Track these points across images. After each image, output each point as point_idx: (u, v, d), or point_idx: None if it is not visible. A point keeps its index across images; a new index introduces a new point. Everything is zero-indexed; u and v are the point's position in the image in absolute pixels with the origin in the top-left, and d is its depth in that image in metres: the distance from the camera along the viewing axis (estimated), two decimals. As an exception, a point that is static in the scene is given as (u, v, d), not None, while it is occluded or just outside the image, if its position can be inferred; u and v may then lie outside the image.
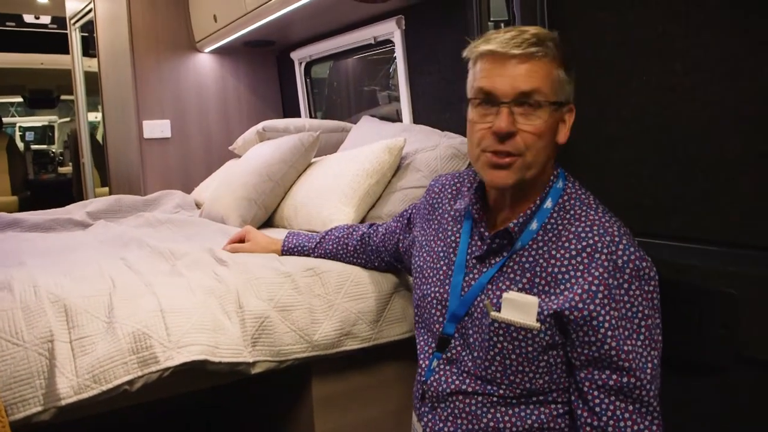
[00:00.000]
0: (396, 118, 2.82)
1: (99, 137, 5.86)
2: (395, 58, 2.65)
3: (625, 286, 1.08)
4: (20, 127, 9.33)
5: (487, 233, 1.21)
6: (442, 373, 1.24)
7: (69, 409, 1.25)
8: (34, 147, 8.34)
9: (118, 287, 1.39)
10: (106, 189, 4.11)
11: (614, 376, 1.08)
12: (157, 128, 3.40)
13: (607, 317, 1.07)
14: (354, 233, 1.68)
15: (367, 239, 1.65)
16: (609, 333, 1.07)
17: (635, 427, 1.08)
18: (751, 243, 1.19)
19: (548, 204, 1.18)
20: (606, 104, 1.44)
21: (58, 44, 4.79)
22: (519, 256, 1.17)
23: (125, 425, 2.23)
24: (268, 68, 3.74)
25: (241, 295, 1.46)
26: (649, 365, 1.09)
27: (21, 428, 1.22)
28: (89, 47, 4.33)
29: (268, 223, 2.31)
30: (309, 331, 1.52)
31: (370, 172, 2.02)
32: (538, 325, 1.11)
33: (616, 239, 1.10)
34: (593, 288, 1.08)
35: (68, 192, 6.15)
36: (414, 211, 1.49)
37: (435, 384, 1.24)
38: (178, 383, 1.40)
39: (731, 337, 1.20)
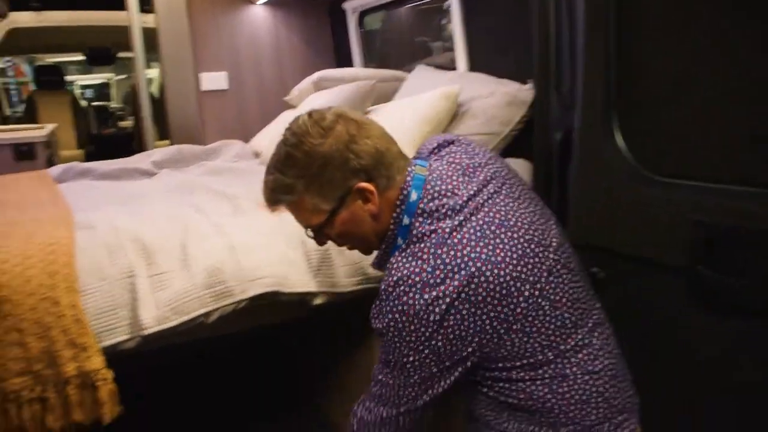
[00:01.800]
0: (450, 67, 2.82)
1: (154, 91, 5.99)
2: (449, 7, 2.63)
3: (383, 333, 1.14)
4: (79, 84, 9.61)
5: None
6: None
7: (152, 339, 1.35)
8: (94, 104, 8.58)
9: (190, 228, 1.47)
10: (166, 142, 4.23)
11: None
12: (214, 80, 3.48)
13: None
14: None
15: None
16: None
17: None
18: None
19: (399, 242, 1.21)
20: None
21: (116, 1, 4.89)
22: None
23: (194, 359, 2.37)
24: (321, 19, 3.74)
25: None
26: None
27: (110, 355, 1.32)
28: (146, 3, 4.40)
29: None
30: (363, 265, 1.58)
31: (426, 119, 2.04)
32: None
33: (390, 288, 1.12)
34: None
35: (129, 146, 6.34)
36: None
37: None
38: (250, 317, 1.49)
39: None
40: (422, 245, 1.13)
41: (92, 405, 1.29)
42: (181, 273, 1.37)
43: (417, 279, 1.10)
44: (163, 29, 3.91)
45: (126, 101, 8.70)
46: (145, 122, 4.71)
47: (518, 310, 1.12)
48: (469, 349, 1.14)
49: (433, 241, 1.12)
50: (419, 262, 1.11)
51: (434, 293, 1.08)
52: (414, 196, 1.18)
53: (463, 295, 1.09)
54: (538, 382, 1.19)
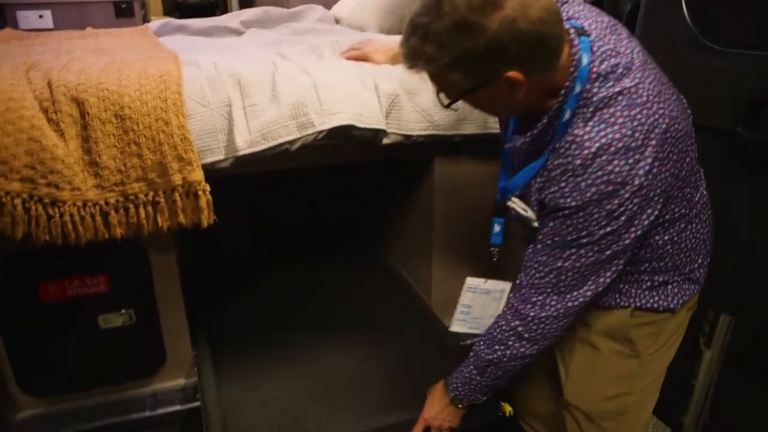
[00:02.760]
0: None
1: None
2: None
3: (581, 209, 1.12)
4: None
5: (517, 136, 1.27)
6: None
7: (243, 160, 1.58)
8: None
9: (278, 68, 1.66)
10: (250, 10, 4.38)
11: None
12: (299, -54, 3.55)
13: (548, 228, 1.20)
14: None
15: None
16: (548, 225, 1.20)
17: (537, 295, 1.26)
18: None
19: (567, 115, 1.13)
20: None
21: None
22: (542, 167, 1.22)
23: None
24: None
25: (376, 77, 1.69)
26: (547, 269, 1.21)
27: (207, 172, 1.56)
28: None
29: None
30: (431, 113, 1.73)
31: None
32: (536, 226, 1.27)
33: (588, 161, 1.09)
34: (552, 211, 1.18)
35: (213, 14, 6.52)
36: None
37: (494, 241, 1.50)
38: (327, 152, 1.71)
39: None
40: (612, 110, 1.09)
41: (193, 211, 1.54)
42: (271, 105, 1.57)
43: (619, 145, 1.07)
44: None
45: (209, -30, 8.76)
46: (231, -12, 4.83)
47: (685, 165, 1.14)
48: (655, 212, 1.13)
49: (623, 103, 1.08)
50: (615, 127, 1.07)
51: (637, 156, 1.06)
52: (585, 60, 1.09)
53: (658, 154, 1.08)
54: (663, 233, 1.23)
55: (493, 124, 1.83)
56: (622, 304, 1.33)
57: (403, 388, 1.79)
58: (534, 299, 1.25)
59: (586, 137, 1.09)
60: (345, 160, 1.85)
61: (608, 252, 1.15)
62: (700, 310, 1.49)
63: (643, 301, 1.32)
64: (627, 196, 1.08)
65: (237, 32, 2.76)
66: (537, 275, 1.23)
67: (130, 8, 3.36)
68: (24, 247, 1.50)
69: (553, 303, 1.23)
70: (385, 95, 1.67)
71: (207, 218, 1.55)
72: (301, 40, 2.12)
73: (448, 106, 1.18)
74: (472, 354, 1.41)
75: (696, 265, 1.33)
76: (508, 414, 1.73)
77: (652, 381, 1.45)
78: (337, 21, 3.04)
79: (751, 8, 1.52)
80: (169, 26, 2.75)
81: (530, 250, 1.26)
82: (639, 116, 1.07)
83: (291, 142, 1.57)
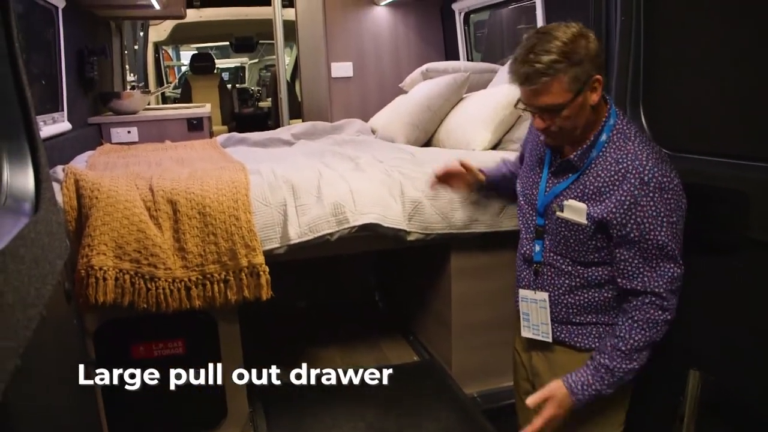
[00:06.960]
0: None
1: (287, 77, 6.82)
2: (539, 9, 3.09)
3: (650, 195, 1.51)
4: (217, 68, 10.80)
5: (558, 158, 1.68)
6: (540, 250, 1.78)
7: (294, 248, 2.01)
8: (238, 86, 9.66)
9: (323, 176, 2.12)
10: (298, 120, 4.98)
11: (638, 251, 1.56)
12: (342, 69, 4.15)
13: (632, 219, 1.53)
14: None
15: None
16: (635, 227, 1.54)
17: (648, 274, 1.58)
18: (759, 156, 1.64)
19: (603, 137, 1.60)
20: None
21: (261, -3, 5.72)
22: (583, 176, 1.62)
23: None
24: (433, 18, 4.31)
25: (403, 186, 2.13)
26: (670, 243, 1.54)
27: (267, 257, 1.98)
28: (287, -1, 5.16)
29: (427, 144, 2.96)
30: (449, 215, 2.16)
31: (504, 105, 2.57)
32: (586, 222, 1.62)
33: (644, 162, 1.52)
34: (622, 199, 1.54)
35: (265, 123, 7.24)
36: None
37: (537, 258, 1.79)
38: (360, 242, 2.13)
39: (742, 224, 1.66)
40: (640, 138, 1.58)
41: (255, 287, 1.95)
42: (316, 205, 2.01)
43: (657, 156, 1.54)
44: (302, 23, 4.61)
45: (260, 84, 9.65)
46: (283, 102, 5.48)
47: None
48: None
49: (639, 138, 1.59)
50: (648, 147, 1.55)
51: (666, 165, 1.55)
52: (612, 104, 1.63)
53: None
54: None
55: (503, 222, 2.23)
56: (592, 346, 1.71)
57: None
58: (669, 302, 1.57)
59: (637, 149, 1.55)
60: (374, 248, 2.27)
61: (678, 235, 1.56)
62: (675, 368, 1.77)
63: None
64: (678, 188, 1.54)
65: (288, 143, 3.28)
66: (663, 286, 1.57)
67: (200, 123, 3.98)
68: (122, 316, 1.93)
69: (672, 301, 1.58)
70: (410, 201, 2.11)
71: (266, 293, 1.97)
72: (341, 151, 2.60)
73: (545, 118, 1.55)
74: (601, 373, 1.63)
75: None
76: None
77: None
78: (374, 131, 3.54)
79: (683, 123, 1.93)
80: (232, 139, 3.29)
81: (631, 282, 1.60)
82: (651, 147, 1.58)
83: (331, 234, 2.00)
